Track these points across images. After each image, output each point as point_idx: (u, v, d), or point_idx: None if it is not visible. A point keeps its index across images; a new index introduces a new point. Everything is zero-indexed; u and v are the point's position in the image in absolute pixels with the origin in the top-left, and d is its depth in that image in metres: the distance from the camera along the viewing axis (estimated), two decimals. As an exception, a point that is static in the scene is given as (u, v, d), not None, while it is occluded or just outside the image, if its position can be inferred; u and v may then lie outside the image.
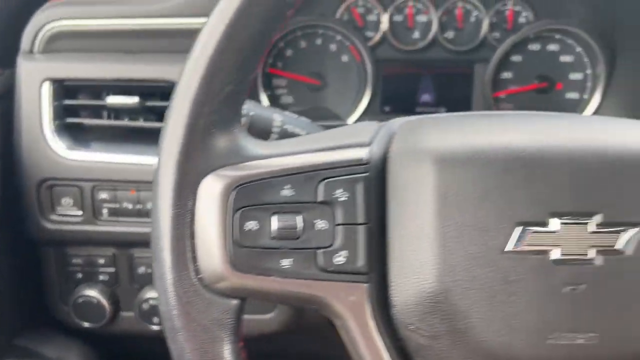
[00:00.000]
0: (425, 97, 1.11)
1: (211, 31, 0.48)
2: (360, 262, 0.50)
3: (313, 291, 0.50)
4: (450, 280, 0.49)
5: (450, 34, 1.08)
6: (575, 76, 1.10)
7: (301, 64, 1.09)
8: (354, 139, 0.53)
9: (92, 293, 0.95)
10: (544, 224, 0.48)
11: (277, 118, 0.67)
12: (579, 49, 1.08)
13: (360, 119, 1.10)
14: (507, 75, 1.10)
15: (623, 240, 0.48)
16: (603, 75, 1.07)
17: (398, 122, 0.56)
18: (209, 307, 0.48)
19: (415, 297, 0.49)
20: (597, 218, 0.48)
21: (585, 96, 1.09)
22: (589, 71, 1.09)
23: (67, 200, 0.89)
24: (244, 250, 0.48)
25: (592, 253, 0.48)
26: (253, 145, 0.51)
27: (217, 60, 0.47)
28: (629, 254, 0.48)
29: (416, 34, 1.08)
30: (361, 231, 0.50)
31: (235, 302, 0.50)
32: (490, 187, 0.48)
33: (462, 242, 0.48)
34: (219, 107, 0.48)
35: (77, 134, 0.92)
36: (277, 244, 0.48)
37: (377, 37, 1.07)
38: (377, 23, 1.07)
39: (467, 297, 0.48)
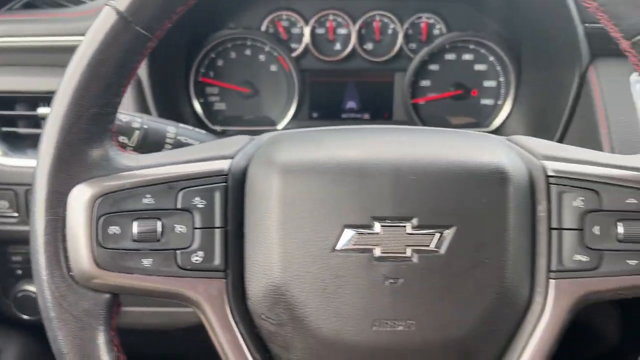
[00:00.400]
0: (351, 104, 1.19)
1: (78, 60, 0.55)
2: (217, 261, 0.57)
3: (174, 287, 0.57)
4: (290, 276, 0.56)
5: (369, 45, 1.15)
6: (489, 83, 1.17)
7: (232, 73, 1.16)
8: (220, 152, 0.61)
9: (32, 288, 1.02)
10: (368, 227, 0.56)
11: (171, 130, 0.74)
12: (491, 59, 1.16)
13: (289, 125, 1.18)
14: (425, 83, 1.17)
15: (435, 240, 0.56)
16: (513, 83, 1.15)
17: (265, 137, 0.64)
18: (80, 300, 0.56)
19: (265, 290, 0.57)
20: (414, 222, 0.56)
21: (500, 102, 1.17)
22: (501, 79, 1.16)
23: (3, 203, 0.97)
24: (107, 252, 0.56)
25: (409, 252, 0.56)
26: (121, 158, 0.58)
27: (82, 87, 0.54)
28: (442, 253, 0.56)
29: (337, 46, 1.15)
30: (218, 234, 0.57)
31: (106, 296, 0.57)
32: (323, 195, 0.56)
33: (300, 242, 0.56)
34: (86, 126, 0.55)
35: (13, 142, 0.99)
36: (138, 245, 0.56)
37: (300, 48, 1.14)
38: (300, 36, 1.14)
39: (303, 289, 0.56)
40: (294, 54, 1.14)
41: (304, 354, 0.57)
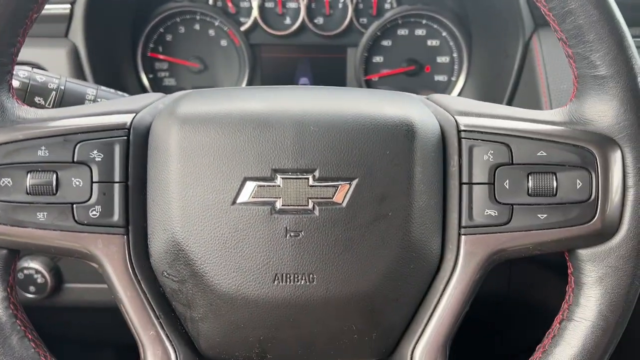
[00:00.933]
0: (303, 80, 1.17)
1: None
2: (116, 216, 0.56)
3: (71, 242, 0.56)
4: (189, 230, 0.55)
5: (319, 20, 1.14)
6: (442, 59, 1.16)
7: (181, 48, 1.15)
8: (124, 106, 0.59)
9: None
10: (269, 179, 0.54)
11: (91, 92, 0.73)
12: (444, 34, 1.15)
13: (240, 101, 1.16)
14: (378, 59, 1.16)
15: (337, 193, 0.54)
16: (466, 58, 1.14)
17: (176, 95, 0.63)
18: None
19: (165, 247, 0.56)
20: (315, 174, 0.54)
21: (453, 78, 1.16)
22: (454, 54, 1.15)
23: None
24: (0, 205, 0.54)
25: (311, 204, 0.54)
26: (18, 111, 0.57)
27: None
28: (343, 205, 0.54)
29: (287, 20, 1.14)
30: (117, 189, 0.56)
31: (3, 251, 0.56)
32: (223, 147, 0.55)
33: (200, 195, 0.55)
34: None
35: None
36: (31, 199, 0.55)
37: (249, 22, 1.13)
38: (249, 9, 1.13)
39: (203, 244, 0.55)
40: (243, 28, 1.13)
41: (206, 310, 0.56)
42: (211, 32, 1.14)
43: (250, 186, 0.54)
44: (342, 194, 0.54)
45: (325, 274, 0.55)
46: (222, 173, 0.54)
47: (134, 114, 0.58)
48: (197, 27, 1.14)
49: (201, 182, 0.55)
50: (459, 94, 1.15)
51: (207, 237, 0.55)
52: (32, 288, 1.02)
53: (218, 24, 1.14)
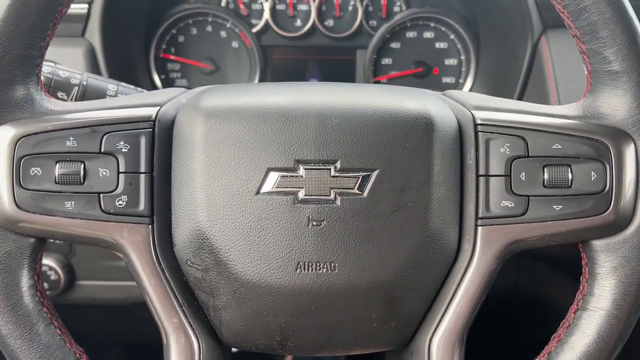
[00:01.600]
0: (313, 81, 1.19)
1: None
2: (142, 206, 0.57)
3: (98, 231, 0.57)
4: (214, 220, 0.56)
5: (329, 22, 1.16)
6: (450, 62, 1.18)
7: (193, 49, 1.16)
8: (149, 100, 0.61)
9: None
10: (292, 170, 0.56)
11: (112, 87, 0.74)
12: (452, 37, 1.16)
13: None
14: (387, 61, 1.18)
15: (359, 183, 0.56)
16: (473, 60, 1.15)
17: (199, 89, 0.64)
18: (1, 242, 0.56)
19: (190, 236, 0.57)
20: (337, 164, 0.56)
21: (461, 80, 1.18)
22: (462, 57, 1.17)
23: None
24: (29, 193, 0.55)
25: (332, 194, 0.56)
26: (46, 103, 0.58)
27: (3, 27, 0.54)
28: (364, 196, 0.56)
29: (298, 22, 1.16)
30: (143, 179, 0.57)
31: (30, 240, 0.57)
32: (247, 138, 0.56)
33: (224, 186, 0.56)
34: (9, 67, 0.55)
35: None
36: (60, 188, 0.56)
37: (260, 24, 1.15)
38: (261, 11, 1.15)
39: (227, 233, 0.56)
40: (254, 30, 1.15)
41: (229, 299, 0.57)
42: (223, 33, 1.16)
43: (273, 176, 0.56)
44: (364, 184, 0.56)
45: (347, 262, 0.56)
46: (246, 164, 0.56)
47: (159, 107, 0.59)
48: (209, 28, 1.16)
49: (225, 173, 0.56)
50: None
51: (231, 226, 0.56)
52: (45, 284, 1.03)
53: (230, 26, 1.15)
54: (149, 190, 0.57)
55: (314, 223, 0.56)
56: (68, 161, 0.56)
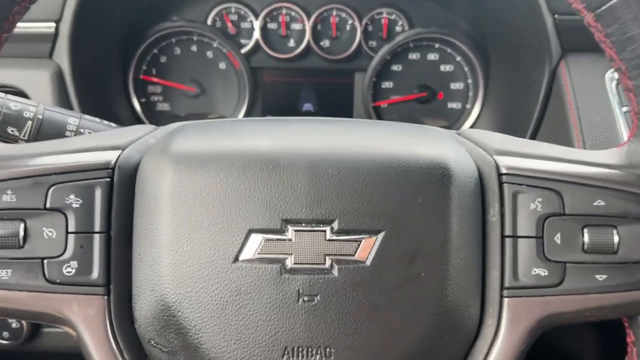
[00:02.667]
0: (307, 106, 1.09)
1: None
2: (96, 273, 0.47)
3: (41, 304, 0.47)
4: (182, 292, 0.46)
5: (325, 42, 1.07)
6: (456, 86, 1.08)
7: (177, 70, 1.07)
8: (109, 141, 0.51)
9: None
10: (279, 232, 0.46)
11: (73, 121, 0.64)
12: (458, 59, 1.07)
13: (240, 128, 1.08)
14: (387, 84, 1.08)
15: (361, 249, 0.46)
16: (482, 84, 1.06)
17: (172, 126, 0.54)
18: None
19: (154, 311, 0.47)
20: (334, 225, 0.46)
21: (468, 106, 1.08)
22: (469, 81, 1.07)
23: None
24: None
25: (328, 262, 0.46)
26: None
27: None
28: (367, 264, 0.46)
29: (291, 42, 1.06)
30: (97, 240, 0.47)
31: None
32: (225, 192, 0.46)
33: (195, 250, 0.46)
34: None
35: None
36: None
37: (250, 44, 1.05)
38: (251, 30, 1.05)
39: (198, 309, 0.46)
40: (244, 50, 1.05)
41: None
42: (209, 54, 1.07)
43: (256, 240, 0.46)
44: (366, 250, 0.46)
45: (345, 347, 0.46)
46: (222, 224, 0.46)
47: (120, 151, 0.49)
48: (194, 48, 1.06)
49: (197, 234, 0.46)
50: (474, 124, 1.07)
51: (203, 300, 0.46)
52: (5, 334, 0.92)
53: (217, 46, 1.06)
54: (104, 254, 0.47)
55: (306, 298, 0.45)
56: (4, 220, 0.46)
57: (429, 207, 0.47)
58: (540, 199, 0.49)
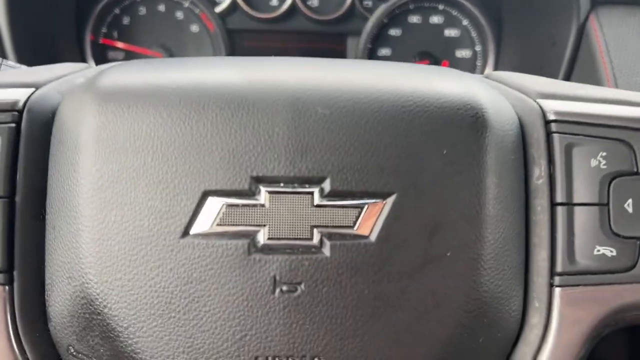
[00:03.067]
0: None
1: None
2: None
3: None
4: (110, 280, 0.33)
5: (313, 1, 0.93)
6: (463, 53, 0.96)
7: (142, 34, 0.93)
8: (22, 78, 0.38)
9: None
10: (247, 194, 0.32)
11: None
12: (465, 22, 0.95)
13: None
14: (384, 51, 0.95)
15: (361, 218, 0.32)
16: (492, 52, 0.93)
17: (109, 64, 0.41)
18: None
19: (73, 306, 0.34)
20: (325, 185, 0.32)
21: (475, 77, 0.96)
22: (477, 48, 0.95)
23: None
24: None
25: (316, 237, 0.32)
26: None
27: None
28: (372, 240, 0.32)
29: (274, 1, 0.93)
30: None
31: None
32: (170, 137, 0.33)
33: (128, 220, 0.33)
34: None
35: None
36: None
37: (226, 3, 0.92)
38: (227, -14, 0.92)
39: (133, 304, 0.33)
40: (218, 10, 0.92)
41: None
42: (179, 14, 0.93)
43: (214, 206, 0.33)
44: (370, 220, 0.33)
45: (340, 357, 0.32)
46: (166, 183, 0.32)
47: (33, 89, 0.37)
48: (161, 8, 0.93)
49: (130, 199, 0.33)
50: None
51: (139, 292, 0.32)
52: None
53: (188, 5, 0.93)
54: (5, 227, 0.34)
55: (285, 288, 0.33)
56: None
57: (457, 161, 0.34)
58: (604, 153, 0.36)
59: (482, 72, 0.95)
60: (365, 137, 0.33)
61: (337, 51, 0.96)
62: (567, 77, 0.77)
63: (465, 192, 0.34)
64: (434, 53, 0.95)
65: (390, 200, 0.33)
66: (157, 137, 0.33)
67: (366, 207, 0.33)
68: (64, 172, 0.34)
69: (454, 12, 0.95)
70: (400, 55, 0.95)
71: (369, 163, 0.33)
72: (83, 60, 0.92)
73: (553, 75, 0.79)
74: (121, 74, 0.36)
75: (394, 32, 0.95)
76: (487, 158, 0.34)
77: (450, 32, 0.96)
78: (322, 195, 0.33)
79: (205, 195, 0.32)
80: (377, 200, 0.33)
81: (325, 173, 0.32)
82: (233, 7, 0.93)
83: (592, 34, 0.73)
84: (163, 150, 0.33)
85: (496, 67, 0.94)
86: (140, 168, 0.33)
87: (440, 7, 0.94)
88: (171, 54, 0.93)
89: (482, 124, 0.35)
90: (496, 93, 0.39)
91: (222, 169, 0.32)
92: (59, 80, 0.39)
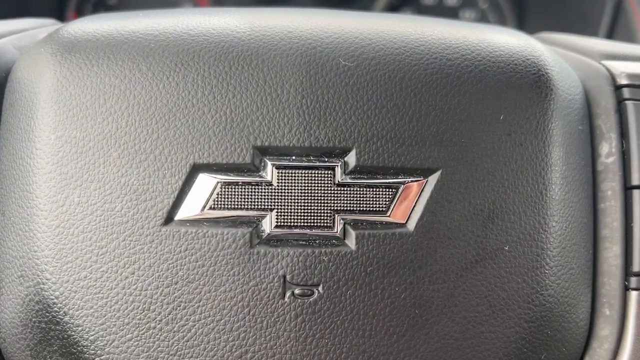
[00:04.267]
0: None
1: None
2: None
3: None
4: (72, 280, 0.26)
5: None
6: (480, 38, 0.90)
7: (130, 8, 0.87)
8: None
9: None
10: (249, 169, 0.25)
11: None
12: (483, 5, 0.88)
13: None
14: (395, 35, 0.89)
15: (399, 202, 0.25)
16: (513, 36, 0.88)
17: (79, 19, 0.35)
18: None
19: (25, 312, 0.27)
20: (350, 158, 0.25)
21: (493, 64, 0.90)
22: (496, 32, 0.89)
23: None
24: None
25: (339, 224, 0.25)
26: None
27: None
28: (409, 230, 0.25)
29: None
30: None
31: None
32: (149, 97, 0.26)
33: (95, 203, 0.25)
34: None
35: None
36: None
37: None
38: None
39: (101, 311, 0.26)
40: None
41: None
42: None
43: (206, 184, 0.26)
44: (408, 204, 0.25)
45: None
46: (144, 155, 0.25)
47: None
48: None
49: (98, 175, 0.25)
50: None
51: (109, 295, 0.25)
52: None
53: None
54: None
55: (297, 291, 0.26)
56: None
57: (516, 129, 0.27)
58: None
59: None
60: (401, 98, 0.26)
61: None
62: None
63: (528, 168, 0.27)
64: (449, 37, 0.90)
65: (433, 178, 0.26)
66: (134, 96, 0.26)
67: (402, 187, 0.26)
68: (15, 142, 0.27)
69: (471, -7, 0.89)
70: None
71: (405, 130, 0.26)
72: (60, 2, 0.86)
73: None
74: (90, 22, 0.29)
75: (406, 13, 0.90)
76: (552, 126, 0.28)
77: (466, 14, 0.90)
78: (346, 171, 0.26)
79: (194, 170, 0.25)
80: (417, 179, 0.26)
81: (349, 143, 0.25)
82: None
83: (631, 11, 0.67)
84: (141, 112, 0.26)
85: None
86: (111, 135, 0.26)
87: (457, -13, 0.89)
88: None
89: (545, 83, 0.28)
90: (553, 53, 0.32)
91: (216, 136, 0.25)
92: (18, 35, 0.32)
